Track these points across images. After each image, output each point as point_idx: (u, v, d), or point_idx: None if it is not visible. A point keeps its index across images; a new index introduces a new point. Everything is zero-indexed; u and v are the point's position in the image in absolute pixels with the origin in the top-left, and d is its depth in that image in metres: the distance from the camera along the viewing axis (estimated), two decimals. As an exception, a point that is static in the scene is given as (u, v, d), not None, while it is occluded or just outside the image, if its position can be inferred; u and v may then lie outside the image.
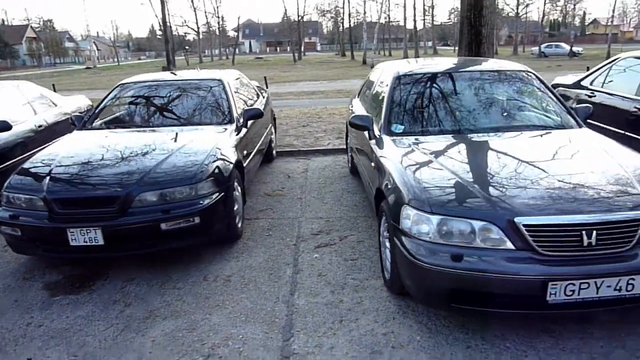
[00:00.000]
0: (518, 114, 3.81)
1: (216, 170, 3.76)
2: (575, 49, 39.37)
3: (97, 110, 5.05)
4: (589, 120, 5.80)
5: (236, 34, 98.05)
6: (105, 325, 3.04)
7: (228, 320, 3.02)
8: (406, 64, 4.69)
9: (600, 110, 5.67)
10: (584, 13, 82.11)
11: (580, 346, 2.61)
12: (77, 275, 3.71)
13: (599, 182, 2.67)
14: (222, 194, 3.74)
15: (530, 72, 4.21)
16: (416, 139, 3.54)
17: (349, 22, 53.73)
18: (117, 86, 5.37)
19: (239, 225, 4.21)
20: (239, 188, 4.26)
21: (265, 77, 11.24)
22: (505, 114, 3.80)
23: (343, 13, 55.33)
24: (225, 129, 4.57)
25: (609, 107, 5.51)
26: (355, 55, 48.58)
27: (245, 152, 4.67)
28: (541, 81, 4.11)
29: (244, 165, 4.52)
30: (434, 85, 4.05)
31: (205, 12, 59.75)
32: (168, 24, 33.83)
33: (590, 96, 5.93)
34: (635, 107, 5.02)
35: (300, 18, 51.46)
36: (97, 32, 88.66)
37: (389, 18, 56.31)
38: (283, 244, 4.09)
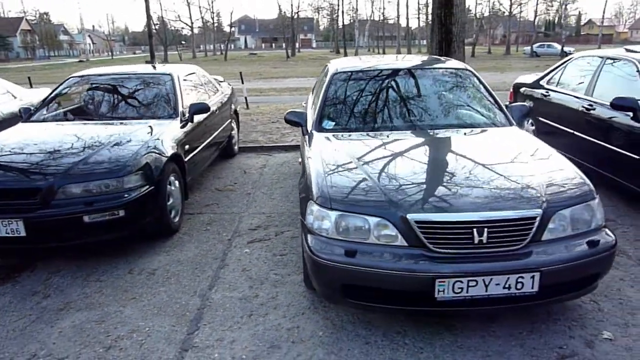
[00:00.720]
0: (449, 112, 3.81)
1: (147, 164, 3.74)
2: (566, 49, 39.39)
3: (43, 103, 5.03)
4: (541, 119, 5.86)
5: (232, 29, 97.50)
6: (18, 317, 3.03)
7: (140, 313, 3.01)
8: (350, 60, 4.68)
9: (553, 109, 5.71)
10: (579, 13, 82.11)
11: (478, 344, 2.61)
12: (3, 267, 3.70)
13: (500, 181, 2.67)
14: (152, 187, 3.73)
15: (469, 70, 4.21)
16: (343, 136, 3.54)
17: (342, 20, 53.61)
18: (68, 79, 5.34)
19: (176, 219, 4.21)
20: (176, 182, 4.25)
21: (240, 73, 11.26)
22: (436, 111, 3.80)
23: (338, 10, 55.10)
24: (169, 122, 4.55)
25: (561, 106, 5.53)
26: (349, 52, 48.52)
27: (188, 146, 4.65)
28: (478, 79, 4.11)
29: (186, 159, 4.51)
30: (370, 82, 4.05)
31: (200, 7, 59.20)
32: (158, 17, 33.58)
33: (545, 95, 5.94)
34: (583, 107, 5.03)
35: (293, 15, 51.34)
36: (93, 26, 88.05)
37: (383, 16, 56.26)
38: (218, 239, 4.09)
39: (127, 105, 4.87)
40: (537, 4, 52.30)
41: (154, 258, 3.77)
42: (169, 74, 5.17)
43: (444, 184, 2.65)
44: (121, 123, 4.50)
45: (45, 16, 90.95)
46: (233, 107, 6.86)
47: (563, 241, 2.49)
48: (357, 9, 43.69)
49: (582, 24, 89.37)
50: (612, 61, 5.03)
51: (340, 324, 2.82)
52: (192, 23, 53.19)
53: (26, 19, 73.06)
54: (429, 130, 3.54)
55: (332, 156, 3.14)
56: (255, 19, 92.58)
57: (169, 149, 4.13)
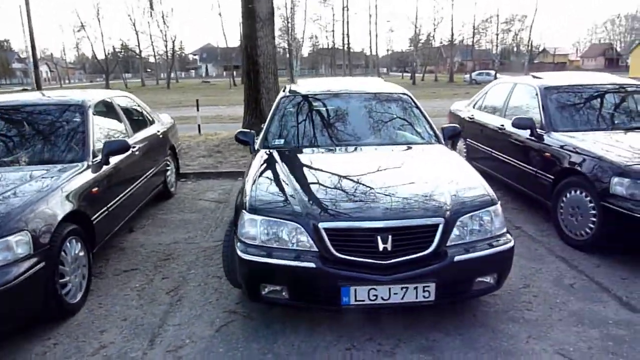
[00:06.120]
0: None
1: None
2: (502, 76, 40.68)
3: None
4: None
5: (195, 57, 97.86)
6: None
7: None
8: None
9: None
10: (531, 43, 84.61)
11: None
12: None
13: None
14: None
15: (80, 105, 4.16)
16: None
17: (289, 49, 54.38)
18: None
19: None
20: None
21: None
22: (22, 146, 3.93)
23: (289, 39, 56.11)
24: None
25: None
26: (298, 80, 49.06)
27: None
28: (83, 117, 4.05)
29: None
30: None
31: (151, 36, 59.36)
32: (122, 45, 33.30)
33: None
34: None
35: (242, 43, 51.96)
36: (52, 54, 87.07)
37: (334, 44, 57.50)
38: None
39: None
40: (474, 34, 54.08)
41: None
42: None
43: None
44: None
45: (6, 43, 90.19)
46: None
47: None
48: (293, 37, 44.25)
49: (538, 52, 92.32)
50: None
51: None
52: (140, 52, 53.31)
53: (-26, 47, 72.22)
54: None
55: None
56: (217, 47, 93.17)
57: None
